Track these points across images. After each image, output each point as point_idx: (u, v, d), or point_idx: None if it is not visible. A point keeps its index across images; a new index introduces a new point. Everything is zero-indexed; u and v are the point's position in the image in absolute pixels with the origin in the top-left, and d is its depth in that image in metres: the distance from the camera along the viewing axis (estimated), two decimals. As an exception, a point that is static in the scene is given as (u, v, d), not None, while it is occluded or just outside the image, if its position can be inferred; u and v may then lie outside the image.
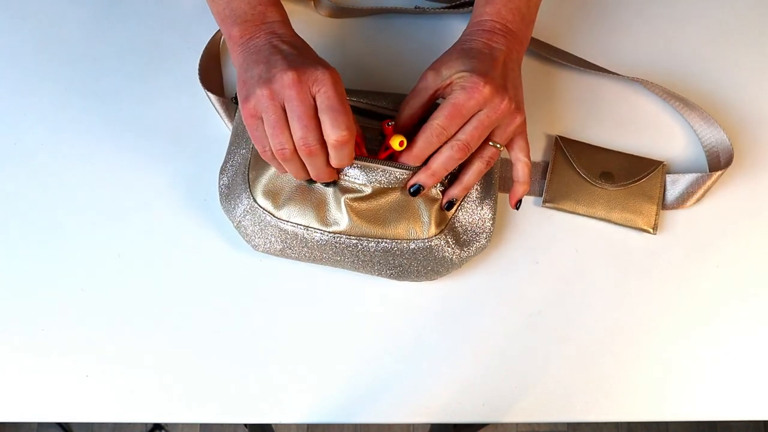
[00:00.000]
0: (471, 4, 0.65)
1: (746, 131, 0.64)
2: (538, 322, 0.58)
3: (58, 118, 0.61)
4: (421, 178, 0.51)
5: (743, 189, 0.62)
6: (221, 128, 0.61)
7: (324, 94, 0.46)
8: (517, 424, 1.31)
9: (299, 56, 0.48)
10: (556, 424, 1.33)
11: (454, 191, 0.54)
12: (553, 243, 0.60)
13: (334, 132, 0.46)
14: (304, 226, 0.54)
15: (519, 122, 0.51)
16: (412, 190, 0.52)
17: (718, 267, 0.60)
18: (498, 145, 0.52)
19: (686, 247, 0.60)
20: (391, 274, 0.56)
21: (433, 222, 0.54)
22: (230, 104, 0.60)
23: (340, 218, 0.53)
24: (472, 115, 0.49)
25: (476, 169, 0.53)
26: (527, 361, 0.57)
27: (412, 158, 0.50)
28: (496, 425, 1.30)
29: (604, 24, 0.67)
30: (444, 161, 0.50)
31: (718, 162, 0.61)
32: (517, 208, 0.55)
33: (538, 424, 1.32)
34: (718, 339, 0.58)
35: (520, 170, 0.54)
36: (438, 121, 0.49)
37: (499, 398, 0.56)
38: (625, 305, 0.58)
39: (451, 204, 0.54)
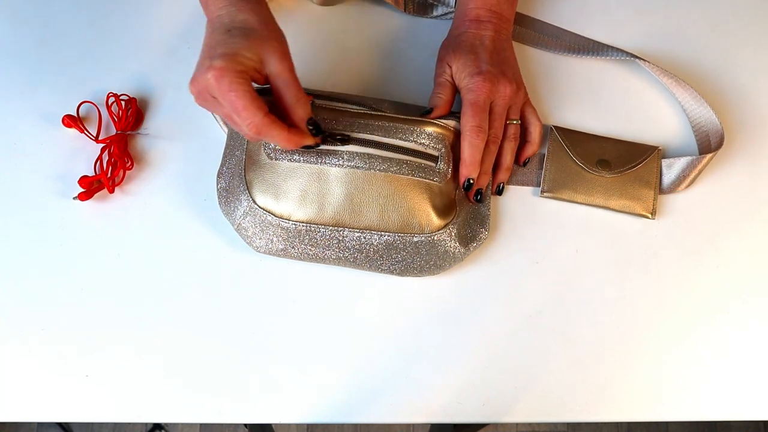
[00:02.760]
0: None
1: (737, 114, 0.64)
2: (538, 322, 0.58)
3: (57, 118, 0.61)
4: (482, 180, 0.58)
5: (739, 170, 0.62)
6: (221, 128, 0.61)
7: (225, 96, 0.47)
8: (517, 424, 1.31)
9: (227, 40, 0.48)
10: (556, 424, 1.33)
11: (501, 176, 0.59)
12: (553, 242, 0.60)
13: (244, 128, 0.48)
14: (305, 222, 0.54)
15: (522, 95, 0.59)
16: (466, 185, 0.57)
17: (718, 267, 0.60)
18: (515, 121, 0.59)
19: (685, 231, 0.60)
20: (394, 269, 0.56)
21: (436, 214, 0.54)
22: None
23: (342, 211, 0.53)
24: (490, 108, 0.56)
25: (509, 148, 0.59)
26: (527, 361, 0.57)
27: (468, 167, 0.56)
28: (496, 425, 1.30)
29: (594, 15, 0.67)
30: (489, 157, 0.57)
31: (708, 144, 0.62)
32: (524, 165, 0.61)
33: (538, 424, 1.32)
34: (718, 339, 0.58)
35: (534, 132, 0.60)
36: (470, 123, 0.55)
37: (499, 398, 0.56)
38: (626, 305, 0.58)
39: (500, 189, 0.60)
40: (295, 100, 0.49)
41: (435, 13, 0.66)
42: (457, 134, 0.56)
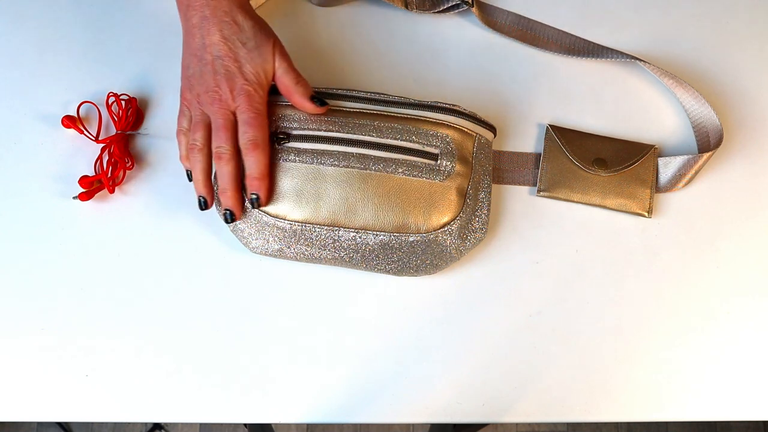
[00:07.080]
0: (470, 4, 0.65)
1: (736, 114, 0.64)
2: (537, 322, 0.58)
3: (57, 118, 0.61)
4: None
5: (739, 169, 0.62)
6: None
7: (241, 109, 0.53)
8: (517, 424, 1.31)
9: (230, 55, 0.53)
10: (556, 424, 1.33)
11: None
12: (552, 242, 0.60)
13: (243, 138, 0.53)
14: (301, 222, 0.54)
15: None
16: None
17: (718, 267, 0.60)
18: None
19: (686, 230, 0.60)
20: (390, 269, 0.56)
21: (434, 214, 0.54)
22: None
23: (338, 211, 0.53)
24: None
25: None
26: (527, 361, 0.57)
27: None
28: (496, 425, 1.30)
29: (594, 17, 0.67)
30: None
31: (708, 142, 0.61)
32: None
33: (538, 424, 1.32)
34: (718, 338, 0.58)
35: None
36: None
37: (499, 398, 0.56)
38: (625, 305, 0.58)
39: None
40: (294, 82, 0.55)
41: (442, 7, 0.65)
42: (459, 130, 0.56)
